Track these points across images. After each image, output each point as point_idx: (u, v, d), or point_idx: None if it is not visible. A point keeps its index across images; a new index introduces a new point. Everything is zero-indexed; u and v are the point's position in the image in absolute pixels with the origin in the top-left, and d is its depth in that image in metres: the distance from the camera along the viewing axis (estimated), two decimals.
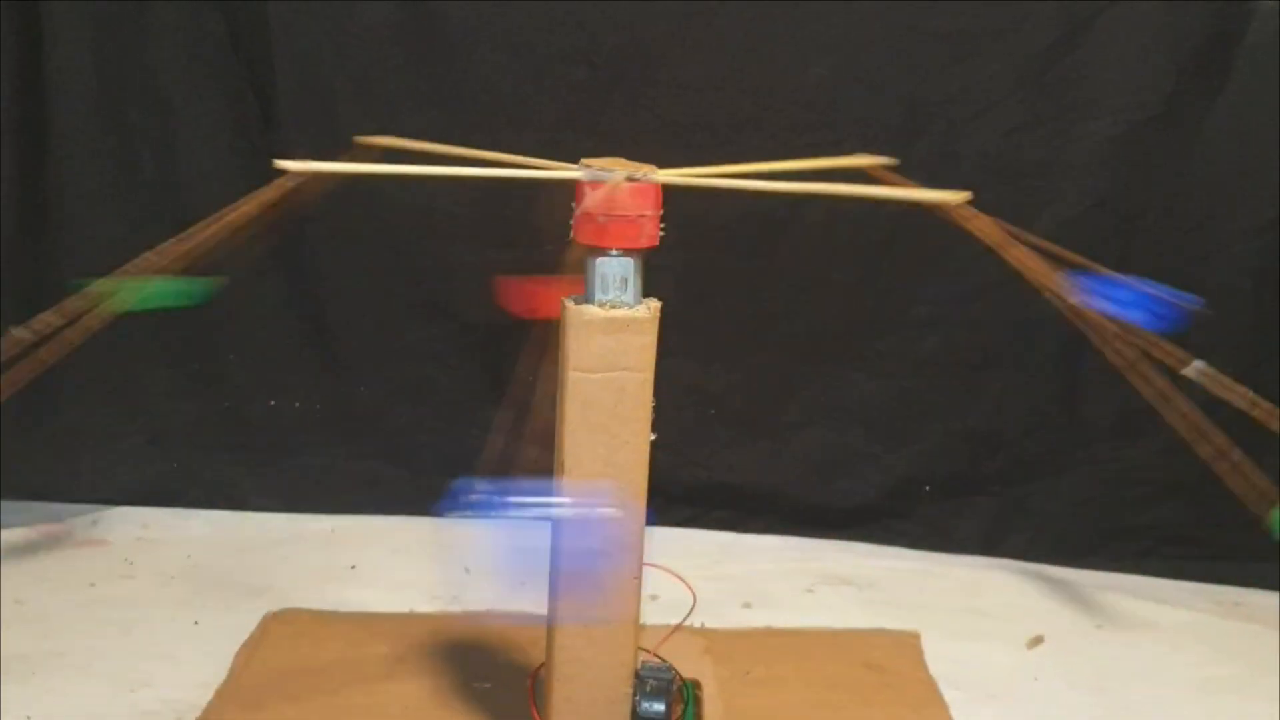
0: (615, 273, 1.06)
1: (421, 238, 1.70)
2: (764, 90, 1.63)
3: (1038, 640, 1.52)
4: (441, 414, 1.77)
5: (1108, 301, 1.13)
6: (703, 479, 1.78)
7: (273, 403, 1.76)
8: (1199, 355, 1.65)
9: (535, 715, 1.20)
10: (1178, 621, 1.60)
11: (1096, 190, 1.64)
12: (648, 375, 1.08)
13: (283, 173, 1.06)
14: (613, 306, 1.06)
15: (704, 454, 1.78)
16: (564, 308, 1.07)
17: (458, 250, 1.69)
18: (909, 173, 1.62)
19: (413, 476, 1.79)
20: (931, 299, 1.69)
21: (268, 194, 1.12)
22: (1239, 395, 1.14)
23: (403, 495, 1.79)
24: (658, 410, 1.10)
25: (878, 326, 1.72)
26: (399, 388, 1.76)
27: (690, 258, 1.62)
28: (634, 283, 1.07)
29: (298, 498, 1.79)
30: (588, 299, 1.07)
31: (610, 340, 1.06)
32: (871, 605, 1.60)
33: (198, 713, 1.26)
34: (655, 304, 1.08)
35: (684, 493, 1.77)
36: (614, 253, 1.05)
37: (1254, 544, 1.72)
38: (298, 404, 1.76)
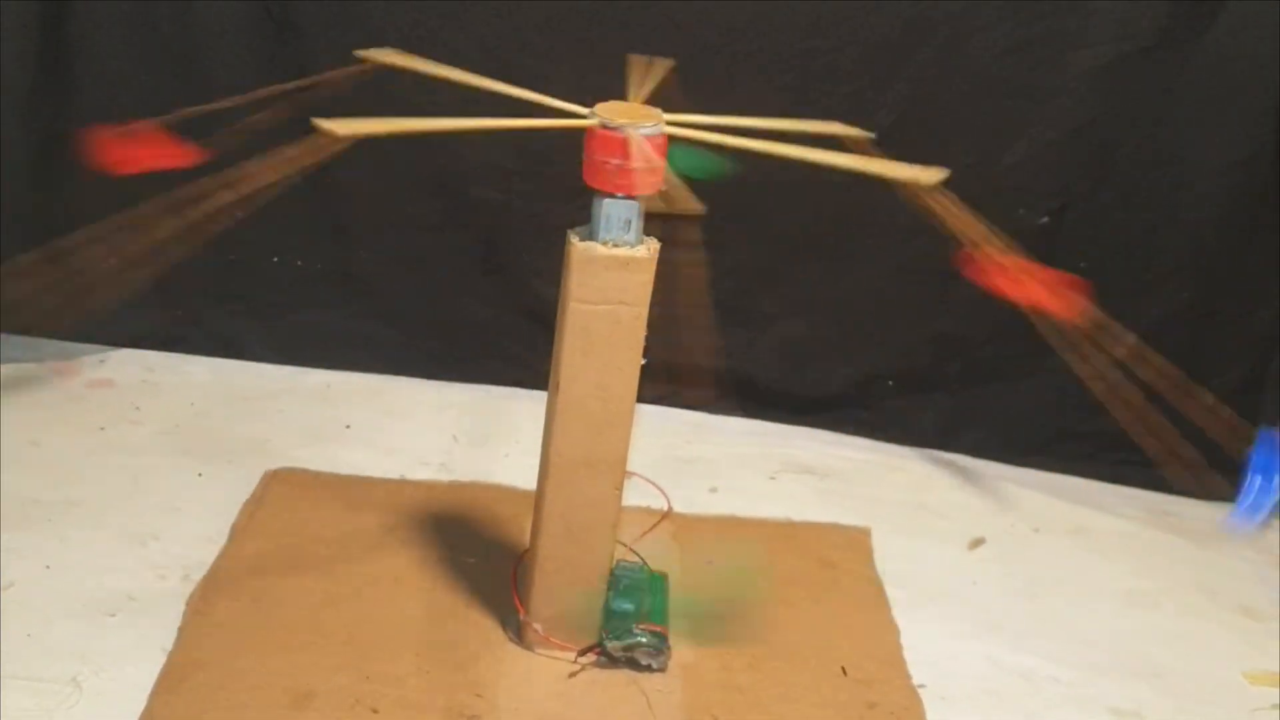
0: (620, 215, 1.12)
1: (429, 113, 1.74)
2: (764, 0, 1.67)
3: (979, 542, 1.64)
4: (436, 282, 1.84)
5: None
6: (681, 360, 1.86)
7: (276, 259, 1.82)
8: (1165, 285, 1.76)
9: (518, 603, 1.31)
10: (1110, 529, 1.73)
11: (1079, 116, 1.69)
12: (643, 309, 1.16)
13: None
14: (615, 245, 1.13)
15: (683, 337, 1.85)
16: (568, 243, 1.14)
17: None
18: (901, 91, 1.69)
19: (406, 339, 1.87)
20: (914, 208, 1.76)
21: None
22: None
23: (395, 356, 1.87)
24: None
25: (862, 229, 1.78)
26: (398, 254, 1.83)
27: None
28: (636, 224, 1.13)
29: (295, 351, 1.87)
30: (592, 236, 1.14)
31: (611, 276, 1.13)
32: (829, 495, 1.71)
33: (203, 570, 1.37)
34: (655, 244, 1.15)
35: (662, 372, 1.85)
36: (620, 196, 1.12)
37: (1187, 454, 1.85)
38: (300, 262, 1.83)
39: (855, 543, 1.60)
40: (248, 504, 1.51)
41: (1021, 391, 1.87)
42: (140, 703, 1.16)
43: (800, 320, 1.86)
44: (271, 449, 1.63)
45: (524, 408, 1.74)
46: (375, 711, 1.19)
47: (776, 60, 1.69)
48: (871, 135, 1.27)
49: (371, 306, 1.86)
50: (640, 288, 1.15)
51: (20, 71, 1.67)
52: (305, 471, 1.59)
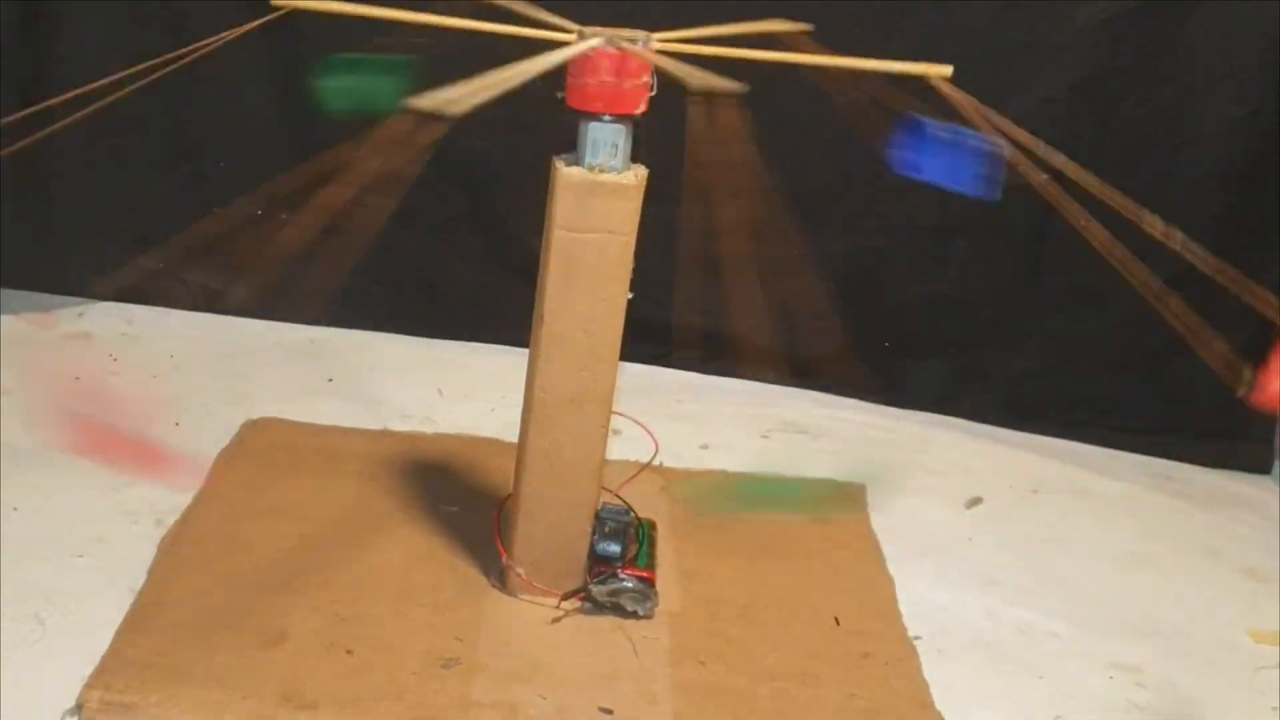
0: (606, 138, 1.09)
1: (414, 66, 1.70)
2: None
3: (976, 501, 1.60)
4: (423, 237, 1.80)
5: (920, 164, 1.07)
6: (672, 319, 1.82)
7: (259, 211, 1.78)
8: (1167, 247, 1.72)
9: (500, 547, 1.27)
10: (1110, 492, 1.69)
11: (1078, 73, 1.66)
12: (630, 239, 1.12)
13: None
14: (601, 171, 1.09)
15: (675, 296, 1.82)
16: (554, 168, 1.10)
17: (448, 81, 1.69)
18: (901, 44, 1.65)
19: (392, 295, 1.83)
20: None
21: None
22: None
23: (381, 312, 1.83)
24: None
25: (855, 187, 1.75)
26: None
27: (676, 105, 1.64)
28: (623, 148, 1.10)
29: (279, 307, 1.83)
30: (578, 161, 1.10)
31: (597, 203, 1.10)
32: (823, 454, 1.67)
33: (176, 515, 1.33)
34: (643, 171, 1.11)
35: (653, 331, 1.82)
36: (606, 118, 1.08)
37: (1189, 420, 1.81)
38: (284, 215, 1.79)
39: (850, 499, 1.55)
40: (224, 451, 1.47)
41: (1020, 355, 1.84)
42: (106, 641, 1.12)
43: (793, 279, 1.81)
44: (251, 401, 1.59)
45: (513, 364, 1.69)
46: (350, 653, 1.15)
47: (766, 16, 1.64)
48: (809, 27, 1.23)
49: (358, 261, 1.82)
50: (627, 215, 1.11)
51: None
52: (285, 421, 1.55)
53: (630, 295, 1.16)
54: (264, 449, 1.49)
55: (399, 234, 1.80)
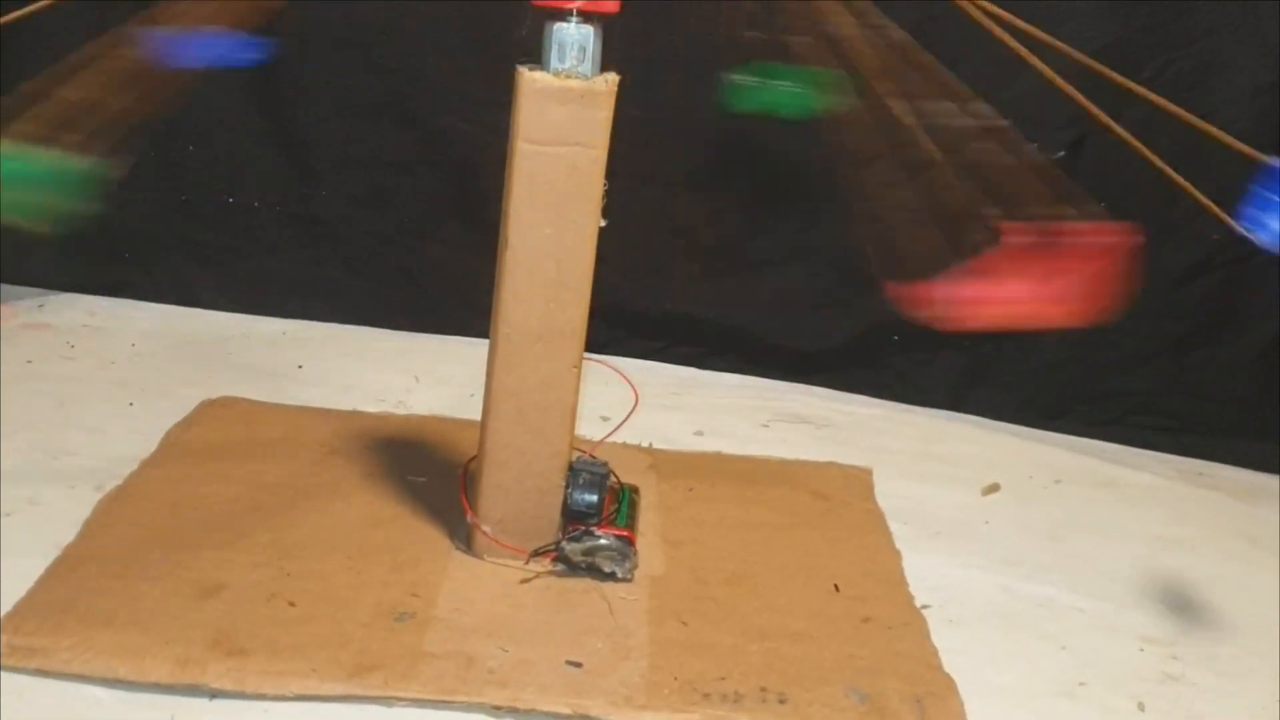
0: (573, 40, 1.01)
1: (391, 41, 1.63)
2: None
3: (993, 488, 1.48)
4: (402, 224, 1.72)
5: None
6: (668, 311, 1.73)
7: (231, 200, 1.70)
8: (1192, 225, 1.62)
9: (465, 504, 1.16)
10: (1138, 484, 1.57)
11: (1097, 40, 1.57)
12: (601, 153, 1.04)
13: None
14: (568, 77, 1.01)
15: (671, 286, 1.72)
16: (517, 74, 1.02)
17: (428, 56, 1.62)
18: (910, 13, 1.57)
19: (370, 286, 1.74)
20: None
21: None
22: None
23: (359, 304, 1.75)
24: (611, 212, 1.07)
25: (862, 163, 1.66)
26: (361, 194, 1.71)
27: (669, 83, 1.56)
28: (592, 53, 1.02)
29: (251, 298, 1.74)
30: (543, 67, 1.02)
31: (564, 111, 1.02)
32: (827, 444, 1.56)
33: (119, 481, 1.23)
34: (613, 78, 1.03)
35: (648, 325, 1.73)
36: (573, 18, 1.00)
37: (1223, 418, 1.69)
38: (257, 203, 1.71)
39: (855, 479, 1.44)
40: (179, 424, 1.37)
41: (1039, 348, 1.72)
42: (20, 593, 1.01)
43: (796, 268, 1.72)
44: (214, 384, 1.50)
45: None
46: (293, 605, 1.04)
47: None
48: None
49: (334, 251, 1.74)
50: (598, 126, 1.03)
51: None
52: (245, 399, 1.46)
53: (604, 223, 1.07)
54: (221, 423, 1.39)
55: (378, 219, 1.72)
